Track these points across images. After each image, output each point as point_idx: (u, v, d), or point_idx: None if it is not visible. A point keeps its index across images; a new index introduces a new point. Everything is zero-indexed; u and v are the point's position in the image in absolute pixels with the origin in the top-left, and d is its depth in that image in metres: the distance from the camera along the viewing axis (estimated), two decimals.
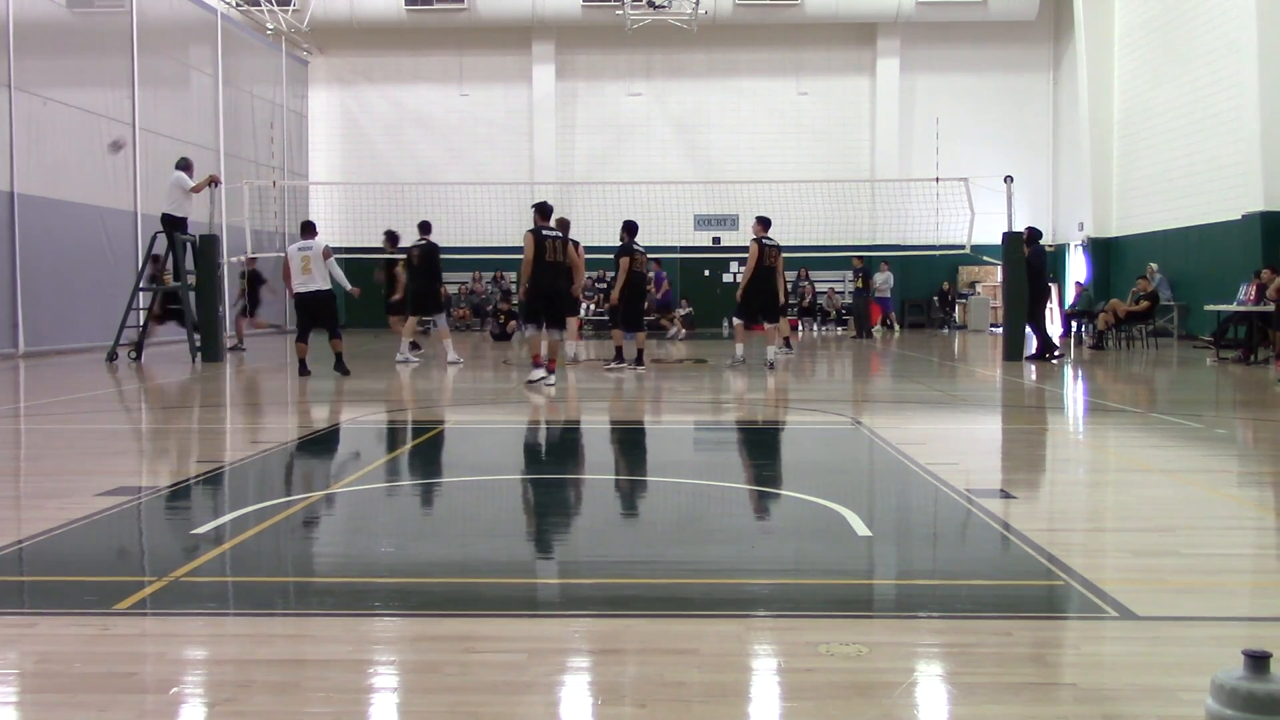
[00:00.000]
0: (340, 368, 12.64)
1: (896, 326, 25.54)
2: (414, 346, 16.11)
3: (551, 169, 28.68)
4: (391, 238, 17.51)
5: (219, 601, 3.77)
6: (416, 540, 4.80)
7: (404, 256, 16.17)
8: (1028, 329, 15.68)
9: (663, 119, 29.14)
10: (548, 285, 11.67)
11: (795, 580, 3.97)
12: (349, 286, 13.23)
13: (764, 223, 14.84)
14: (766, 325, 14.98)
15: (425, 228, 15.52)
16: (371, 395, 11.24)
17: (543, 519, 5.34)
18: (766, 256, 14.41)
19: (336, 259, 13.11)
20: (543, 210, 11.86)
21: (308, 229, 13.23)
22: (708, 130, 29.06)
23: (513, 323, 22.26)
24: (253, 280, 19.19)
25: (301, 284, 12.64)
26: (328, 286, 12.76)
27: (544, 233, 11.67)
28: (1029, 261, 15.50)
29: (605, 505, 5.67)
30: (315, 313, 12.83)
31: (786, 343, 17.19)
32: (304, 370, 12.56)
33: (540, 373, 11.39)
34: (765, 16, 27.89)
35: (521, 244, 11.72)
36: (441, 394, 11.34)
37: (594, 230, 24.79)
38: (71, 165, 18.33)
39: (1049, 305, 18.41)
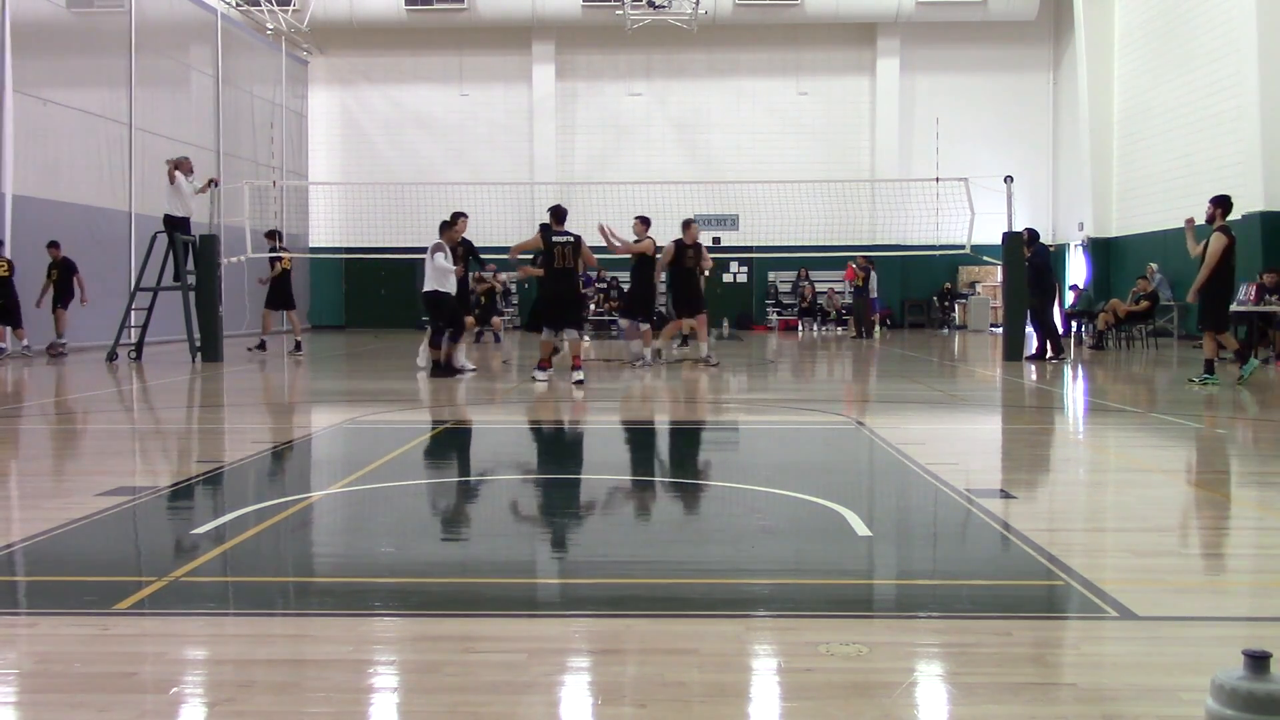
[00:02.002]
0: (440, 369, 12.34)
1: (877, 327, 25.48)
2: (261, 346, 17.36)
3: (551, 169, 28.68)
4: (273, 235, 18.73)
5: (219, 601, 3.77)
6: (416, 540, 4.80)
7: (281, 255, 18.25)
8: (1032, 328, 15.69)
9: (663, 119, 29.14)
10: (559, 291, 11.61)
11: (795, 580, 3.97)
12: (452, 270, 12.50)
13: (646, 222, 15.01)
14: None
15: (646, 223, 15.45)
16: (372, 395, 11.24)
17: (543, 519, 5.34)
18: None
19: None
20: (556, 214, 11.72)
21: (441, 228, 12.82)
22: (708, 130, 29.05)
23: (498, 320, 22.13)
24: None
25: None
26: (434, 287, 12.37)
27: (554, 237, 11.47)
28: (1033, 262, 15.50)
29: (605, 505, 5.67)
30: (429, 313, 12.70)
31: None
32: (440, 370, 12.35)
33: (544, 375, 11.46)
34: (765, 16, 27.89)
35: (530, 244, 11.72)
36: (441, 395, 11.33)
37: (594, 230, 24.81)
38: (69, 166, 18.33)
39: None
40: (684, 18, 26.28)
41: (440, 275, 12.34)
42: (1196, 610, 3.58)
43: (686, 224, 14.83)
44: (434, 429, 8.80)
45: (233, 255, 19.25)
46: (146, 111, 20.38)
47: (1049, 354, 15.38)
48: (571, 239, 11.66)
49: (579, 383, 11.31)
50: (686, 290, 14.64)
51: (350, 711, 2.71)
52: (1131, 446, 7.63)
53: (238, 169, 23.80)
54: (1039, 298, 15.56)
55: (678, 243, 14.53)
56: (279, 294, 17.92)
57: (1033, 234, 15.81)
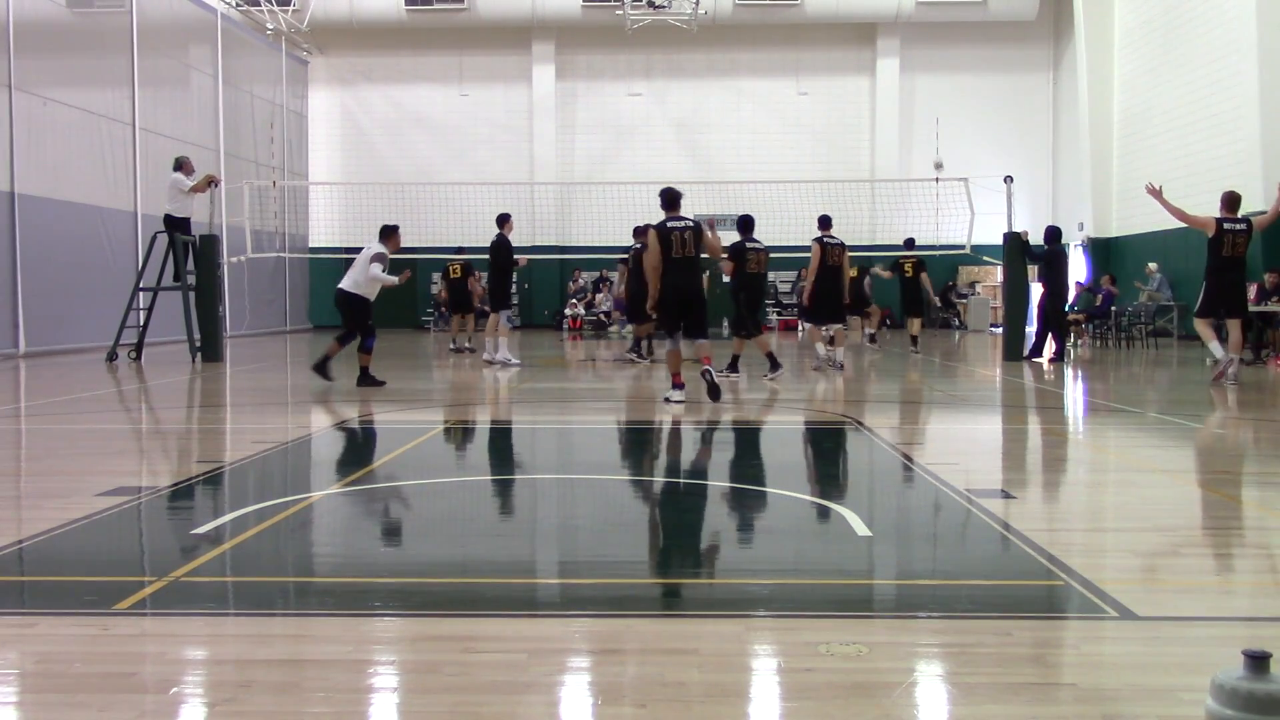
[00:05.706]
0: (363, 380, 11.38)
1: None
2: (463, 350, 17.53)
3: (551, 169, 28.69)
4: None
5: (219, 601, 3.77)
6: (416, 540, 4.80)
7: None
8: (1036, 326, 15.73)
9: (663, 119, 29.14)
10: (681, 285, 9.77)
11: (795, 580, 3.97)
12: (392, 280, 11.56)
13: (501, 220, 14.99)
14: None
15: (501, 221, 15.04)
16: (371, 395, 11.23)
17: (542, 519, 5.34)
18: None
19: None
20: (667, 198, 9.95)
21: (382, 234, 11.95)
22: (708, 130, 29.06)
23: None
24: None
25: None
26: (354, 290, 11.43)
27: (669, 224, 9.79)
28: (1055, 260, 15.51)
29: (605, 505, 5.67)
30: (341, 312, 11.66)
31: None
32: (321, 368, 11.54)
33: (679, 394, 9.60)
34: (765, 16, 27.90)
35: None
36: (439, 394, 11.34)
37: (594, 230, 24.82)
38: (71, 165, 18.34)
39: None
40: (684, 18, 26.29)
41: (369, 283, 11.51)
42: (1196, 610, 3.58)
43: (825, 221, 14.90)
44: (432, 429, 8.80)
45: (234, 255, 19.28)
46: (148, 111, 20.39)
47: (1051, 353, 15.39)
48: (690, 223, 9.92)
49: (711, 387, 9.61)
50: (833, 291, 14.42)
51: (350, 711, 2.71)
52: (1131, 446, 7.63)
53: (238, 169, 23.81)
54: (1053, 296, 15.60)
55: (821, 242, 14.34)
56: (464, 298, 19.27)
57: (1055, 231, 15.86)
